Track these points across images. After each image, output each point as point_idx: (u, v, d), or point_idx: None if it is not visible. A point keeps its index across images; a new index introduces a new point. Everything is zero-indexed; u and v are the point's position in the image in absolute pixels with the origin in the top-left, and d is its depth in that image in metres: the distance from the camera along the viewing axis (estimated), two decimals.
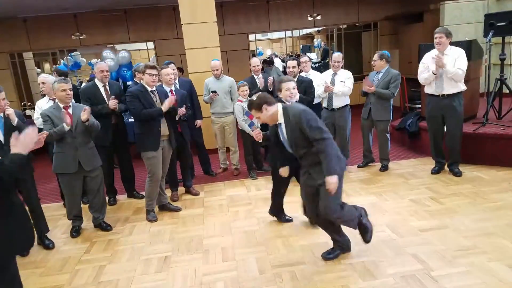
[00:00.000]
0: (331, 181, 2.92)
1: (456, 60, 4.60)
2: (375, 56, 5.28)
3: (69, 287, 3.30)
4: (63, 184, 4.18)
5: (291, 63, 5.14)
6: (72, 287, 3.30)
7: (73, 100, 4.16)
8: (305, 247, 3.59)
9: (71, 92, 4.00)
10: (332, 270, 3.19)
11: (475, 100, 6.01)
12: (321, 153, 2.97)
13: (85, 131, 4.06)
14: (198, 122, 5.57)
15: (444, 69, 4.57)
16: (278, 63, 12.33)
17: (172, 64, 5.33)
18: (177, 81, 5.40)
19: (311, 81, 5.16)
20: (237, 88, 5.52)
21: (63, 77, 4.04)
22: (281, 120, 3.17)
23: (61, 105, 4.02)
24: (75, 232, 4.30)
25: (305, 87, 5.02)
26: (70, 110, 4.04)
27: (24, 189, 3.90)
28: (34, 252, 3.99)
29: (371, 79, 5.27)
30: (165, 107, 4.28)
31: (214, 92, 5.48)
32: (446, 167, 5.14)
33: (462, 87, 4.71)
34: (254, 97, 3.22)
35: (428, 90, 4.91)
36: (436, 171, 5.12)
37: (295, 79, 5.02)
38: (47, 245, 4.05)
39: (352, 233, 3.78)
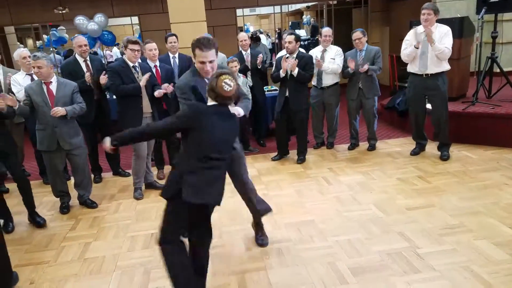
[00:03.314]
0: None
1: (442, 38, 4.49)
2: (359, 34, 5.11)
3: (54, 264, 3.28)
4: (45, 161, 4.11)
5: (289, 37, 4.85)
6: (58, 264, 3.28)
7: (56, 77, 4.03)
8: (291, 225, 3.58)
9: (40, 70, 3.82)
10: (318, 247, 3.19)
11: (465, 79, 5.99)
12: None
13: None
14: None
15: (432, 45, 4.46)
16: (263, 40, 12.13)
17: (174, 37, 5.20)
18: (176, 55, 5.29)
19: (310, 57, 4.99)
20: (226, 64, 5.39)
21: (35, 54, 3.91)
22: None
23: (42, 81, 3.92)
24: (65, 208, 4.24)
25: (305, 63, 4.84)
26: (51, 87, 3.93)
27: (10, 163, 3.82)
28: (19, 228, 3.95)
29: (353, 58, 5.15)
30: (142, 82, 4.17)
31: None
32: (426, 148, 5.12)
33: (446, 66, 4.63)
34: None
35: (411, 69, 4.79)
36: (415, 152, 5.07)
37: (294, 55, 4.87)
38: (38, 222, 3.98)
39: (339, 213, 3.79)
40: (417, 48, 4.59)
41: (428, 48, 4.54)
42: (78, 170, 4.20)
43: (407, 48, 4.75)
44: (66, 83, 4.06)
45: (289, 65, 4.70)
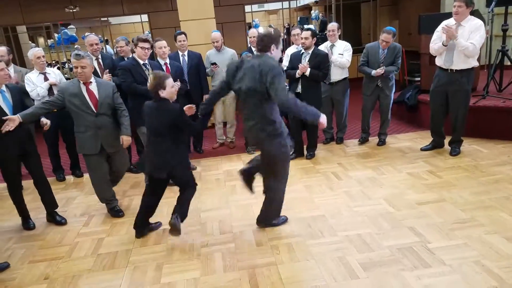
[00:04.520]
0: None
1: (471, 33, 4.29)
2: (389, 37, 4.99)
3: (68, 259, 3.33)
4: (90, 166, 3.90)
5: (305, 33, 4.83)
6: (71, 259, 3.33)
7: (94, 77, 3.78)
8: (301, 220, 3.60)
9: (84, 70, 3.56)
10: (328, 242, 3.21)
11: (476, 73, 5.91)
12: None
13: (109, 110, 3.75)
14: (206, 97, 5.51)
15: (455, 41, 4.30)
16: None
17: (183, 35, 5.24)
18: (185, 53, 5.33)
19: (326, 55, 4.91)
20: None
21: (78, 53, 3.66)
22: None
23: (81, 81, 3.66)
24: (120, 212, 4.05)
25: (320, 61, 4.79)
26: (91, 87, 3.67)
27: (31, 162, 3.84)
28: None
29: (375, 53, 5.11)
30: None
31: (214, 64, 5.39)
32: (447, 144, 5.03)
33: (474, 63, 4.44)
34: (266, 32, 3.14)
35: (437, 62, 4.65)
36: (427, 148, 5.00)
37: (310, 52, 4.87)
38: (59, 221, 3.99)
39: (349, 208, 3.79)
40: (446, 45, 4.41)
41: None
42: (116, 172, 4.08)
43: (436, 41, 4.57)
44: (105, 82, 3.83)
45: (300, 68, 4.74)
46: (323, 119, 3.04)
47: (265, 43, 3.05)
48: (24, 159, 3.80)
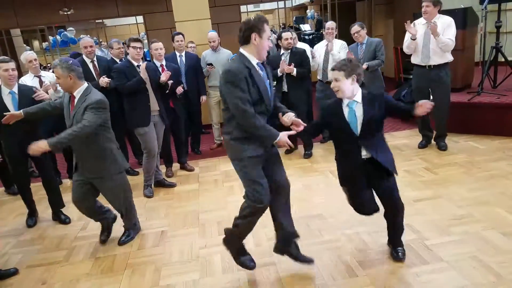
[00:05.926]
0: None
1: (444, 30, 4.46)
2: (356, 27, 5.11)
3: (66, 263, 3.32)
4: None
5: (286, 34, 4.98)
6: (69, 263, 3.32)
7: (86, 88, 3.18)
8: (299, 219, 3.58)
9: (58, 81, 3.18)
10: (327, 241, 3.22)
11: (470, 69, 5.96)
12: None
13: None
14: (203, 98, 5.51)
15: (437, 38, 4.43)
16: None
17: (181, 35, 5.26)
18: (183, 53, 5.34)
19: (304, 51, 5.04)
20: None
21: (55, 61, 3.60)
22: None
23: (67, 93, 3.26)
24: (105, 236, 3.60)
25: (300, 59, 4.93)
26: (76, 100, 3.16)
27: (40, 163, 3.90)
28: (31, 229, 4.00)
29: (354, 53, 5.14)
30: (142, 73, 4.11)
31: (210, 64, 5.40)
32: (433, 140, 5.09)
33: (449, 57, 4.59)
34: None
35: (414, 60, 4.77)
36: (423, 145, 5.05)
37: (289, 51, 4.98)
38: (64, 220, 4.06)
39: (348, 206, 3.80)
40: (414, 39, 4.57)
41: (430, 39, 4.51)
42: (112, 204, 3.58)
43: (408, 40, 4.70)
44: (89, 97, 3.10)
45: (286, 69, 4.83)
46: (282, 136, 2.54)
47: (243, 33, 2.54)
48: (34, 159, 3.84)
